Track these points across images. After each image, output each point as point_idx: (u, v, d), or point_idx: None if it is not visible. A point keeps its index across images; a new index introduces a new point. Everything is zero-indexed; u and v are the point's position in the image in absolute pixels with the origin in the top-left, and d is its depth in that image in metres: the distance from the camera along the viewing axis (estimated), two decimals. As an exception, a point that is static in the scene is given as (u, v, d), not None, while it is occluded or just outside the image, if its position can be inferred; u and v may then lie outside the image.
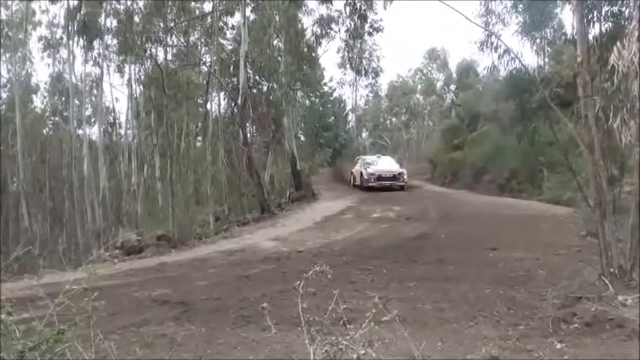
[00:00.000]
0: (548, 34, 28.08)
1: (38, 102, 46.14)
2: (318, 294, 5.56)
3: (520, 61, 14.72)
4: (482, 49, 19.91)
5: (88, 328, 3.58)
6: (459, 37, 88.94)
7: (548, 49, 32.09)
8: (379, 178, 32.94)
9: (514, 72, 18.90)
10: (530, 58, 37.09)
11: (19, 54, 40.20)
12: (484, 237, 14.94)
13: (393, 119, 65.94)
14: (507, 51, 17.56)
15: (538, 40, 28.33)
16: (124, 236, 18.21)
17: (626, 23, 8.16)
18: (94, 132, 40.76)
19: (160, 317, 8.54)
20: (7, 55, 39.96)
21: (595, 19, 10.05)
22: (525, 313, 7.86)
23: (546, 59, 33.71)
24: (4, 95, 44.25)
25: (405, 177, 33.29)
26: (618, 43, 7.53)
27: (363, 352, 3.92)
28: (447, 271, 11.09)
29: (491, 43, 18.82)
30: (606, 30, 10.09)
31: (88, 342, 3.55)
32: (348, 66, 44.25)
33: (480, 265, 11.38)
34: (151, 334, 7.63)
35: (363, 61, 42.34)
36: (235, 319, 8.22)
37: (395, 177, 33.19)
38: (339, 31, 33.95)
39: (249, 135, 30.58)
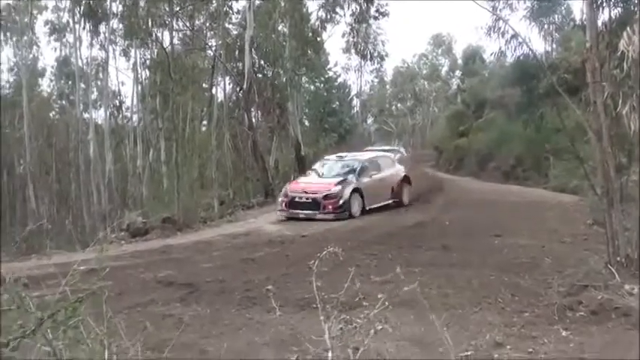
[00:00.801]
0: (557, 19, 27.99)
1: (45, 85, 46.35)
2: (325, 277, 5.56)
3: (528, 47, 14.62)
4: (490, 34, 19.89)
5: (99, 305, 3.62)
6: (465, 22, 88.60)
7: (556, 34, 32.00)
8: (291, 202, 19.43)
9: (521, 58, 18.90)
10: (537, 43, 37.03)
11: (26, 38, 40.21)
12: (489, 224, 14.90)
13: (399, 105, 65.76)
14: (515, 36, 17.54)
15: (546, 26, 28.28)
16: (130, 218, 18.29)
17: (636, 9, 8.11)
18: (99, 115, 40.91)
19: (165, 298, 8.58)
20: (14, 39, 40.05)
21: (604, 4, 9.97)
22: (530, 300, 7.81)
23: (554, 45, 33.63)
24: (11, 79, 44.40)
25: (342, 200, 18.70)
26: (628, 29, 7.49)
27: (380, 327, 3.94)
28: (451, 258, 11.05)
29: (499, 28, 18.79)
30: (615, 15, 10.02)
31: (99, 319, 3.58)
32: (352, 51, 44.14)
33: (484, 252, 11.34)
34: (157, 314, 7.66)
35: (369, 45, 42.17)
36: (240, 301, 8.26)
37: (317, 203, 18.89)
38: (344, 15, 33.86)
39: (254, 120, 30.57)
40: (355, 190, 19.22)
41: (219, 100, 33.46)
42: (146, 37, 32.48)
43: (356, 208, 19.09)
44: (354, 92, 58.49)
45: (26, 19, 39.31)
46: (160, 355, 5.28)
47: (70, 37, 40.54)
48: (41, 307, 3.19)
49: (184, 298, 8.59)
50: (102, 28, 36.14)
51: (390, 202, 20.65)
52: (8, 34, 40.40)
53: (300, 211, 19.02)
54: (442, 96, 62.03)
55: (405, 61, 64.75)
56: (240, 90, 30.73)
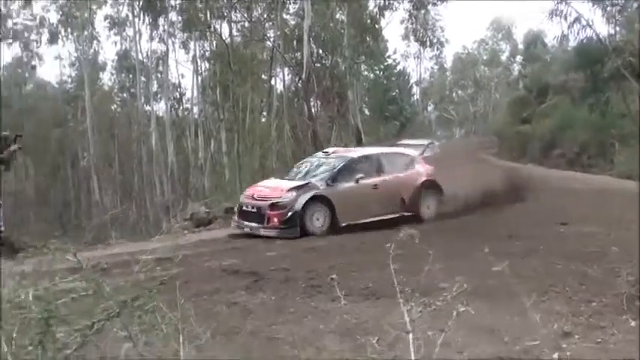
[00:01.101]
0: (620, 1, 27.27)
1: (106, 79, 47.35)
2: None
3: (592, 29, 14.31)
4: (552, 17, 19.54)
5: (169, 292, 3.72)
6: (525, 6, 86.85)
7: (619, 16, 31.21)
8: (240, 212, 15.03)
9: (584, 41, 18.50)
10: (600, 26, 36.19)
11: (86, 33, 41.12)
12: (554, 212, 14.63)
13: (459, 92, 65.05)
14: (578, 19, 17.23)
15: (609, 8, 27.59)
16: (193, 209, 18.58)
17: None
18: (160, 108, 41.66)
19: (230, 286, 8.71)
20: (75, 34, 41.05)
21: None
22: (598, 289, 7.64)
23: (617, 28, 32.81)
24: (72, 73, 45.53)
25: (291, 212, 13.84)
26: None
27: (463, 309, 3.92)
28: (516, 246, 10.90)
29: (561, 11, 18.45)
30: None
31: (171, 305, 3.67)
32: (411, 37, 43.94)
33: (550, 240, 11.14)
34: (223, 301, 7.79)
35: (427, 32, 41.89)
36: (304, 290, 8.31)
37: (261, 214, 14.17)
38: (403, 1, 33.71)
39: (313, 109, 30.64)
40: (318, 199, 14.27)
41: (278, 90, 33.73)
42: (205, 30, 32.89)
43: (317, 224, 14.12)
44: (413, 80, 58.16)
45: (86, 15, 40.22)
46: (229, 342, 5.39)
47: (129, 31, 41.52)
48: (115, 293, 3.29)
49: (249, 287, 8.67)
50: (161, 21, 36.82)
51: (397, 215, 14.93)
52: (69, 29, 41.44)
53: (247, 223, 14.56)
54: (503, 82, 61.18)
55: (465, 47, 64.08)
56: (299, 80, 30.87)
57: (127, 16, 40.55)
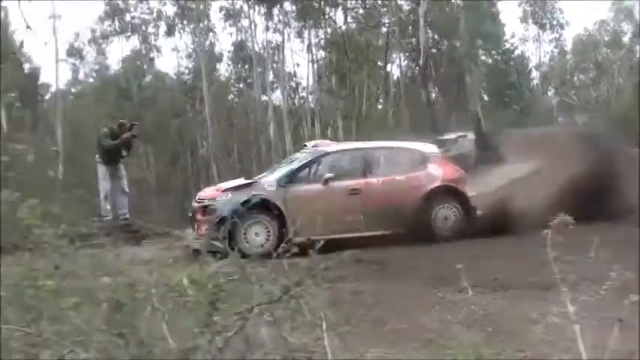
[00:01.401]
0: None
1: (222, 70, 48.19)
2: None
3: None
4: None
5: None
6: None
7: None
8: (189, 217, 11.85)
9: None
10: None
11: (202, 25, 42.06)
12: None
13: (581, 76, 62.74)
14: None
15: None
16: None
17: None
18: (277, 97, 42.06)
19: (354, 275, 8.57)
20: (191, 26, 42.13)
21: None
22: None
23: None
24: (190, 65, 46.76)
25: (218, 219, 10.27)
26: None
27: (636, 298, 3.60)
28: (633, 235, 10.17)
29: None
30: None
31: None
32: (530, 20, 42.68)
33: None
34: (347, 290, 7.71)
35: (547, 14, 40.65)
36: (430, 280, 8.12)
37: (193, 218, 11.07)
38: (521, -17, 32.94)
39: (431, 95, 30.28)
40: (259, 204, 10.51)
41: (395, 77, 33.51)
42: (319, 18, 33.04)
43: (256, 240, 10.40)
44: (532, 64, 56.51)
45: (201, 7, 41.17)
46: (352, 330, 5.31)
47: (244, 22, 42.07)
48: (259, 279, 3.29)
49: (373, 276, 8.60)
50: (275, 11, 37.20)
51: (388, 232, 10.85)
52: (185, 21, 42.59)
53: (190, 231, 11.29)
54: (626, 65, 58.61)
55: (586, 28, 61.70)
56: (416, 66, 30.62)
57: (242, 7, 41.28)
